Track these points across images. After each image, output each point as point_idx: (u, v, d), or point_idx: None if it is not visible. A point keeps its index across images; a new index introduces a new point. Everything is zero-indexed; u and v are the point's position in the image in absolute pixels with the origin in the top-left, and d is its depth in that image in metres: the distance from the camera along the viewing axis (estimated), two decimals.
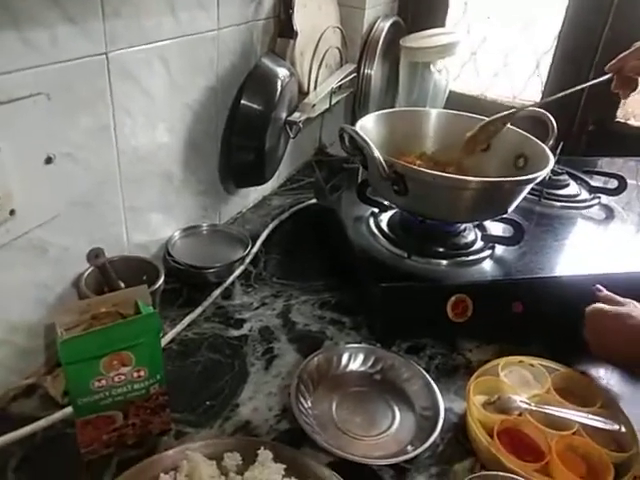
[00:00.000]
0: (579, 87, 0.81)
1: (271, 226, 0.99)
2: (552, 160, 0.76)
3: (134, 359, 0.53)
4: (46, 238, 0.61)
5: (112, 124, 0.66)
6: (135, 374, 0.54)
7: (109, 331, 0.50)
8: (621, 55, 0.77)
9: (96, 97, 0.63)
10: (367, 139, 0.72)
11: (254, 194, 1.07)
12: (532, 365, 0.69)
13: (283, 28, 0.89)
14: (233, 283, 0.84)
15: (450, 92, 1.28)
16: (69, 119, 0.60)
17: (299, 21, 0.91)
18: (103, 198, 0.68)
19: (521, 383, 0.67)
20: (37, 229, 0.59)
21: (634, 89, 0.79)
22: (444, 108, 1.19)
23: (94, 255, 0.59)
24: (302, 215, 1.07)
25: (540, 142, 0.81)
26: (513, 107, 1.28)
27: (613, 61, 0.78)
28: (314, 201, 1.09)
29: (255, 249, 0.91)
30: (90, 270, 0.67)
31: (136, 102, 0.69)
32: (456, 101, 1.27)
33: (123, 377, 0.53)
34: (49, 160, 0.58)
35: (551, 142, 0.82)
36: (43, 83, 0.55)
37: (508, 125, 0.84)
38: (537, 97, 1.28)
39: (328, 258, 0.92)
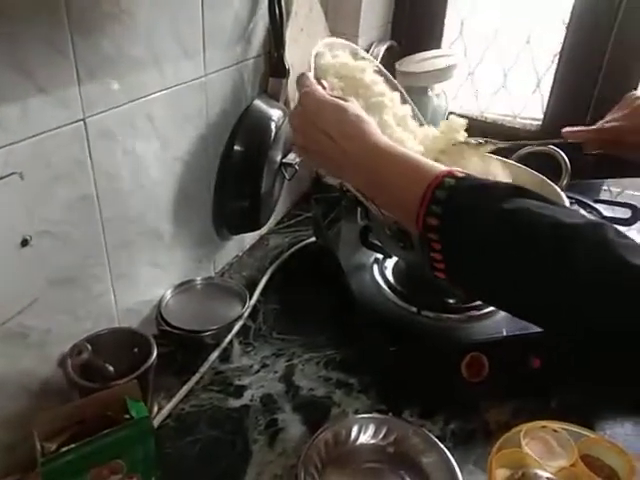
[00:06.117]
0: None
1: (269, 272, 0.94)
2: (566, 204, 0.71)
3: (125, 467, 0.48)
4: (26, 323, 0.56)
5: (94, 192, 0.61)
6: None
7: (95, 443, 0.45)
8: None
9: (74, 166, 0.57)
10: None
11: (250, 236, 1.02)
12: (555, 431, 0.64)
13: (274, 67, 0.84)
14: (231, 342, 0.79)
15: (449, 114, 1.23)
16: (45, 195, 0.55)
17: (290, 57, 0.86)
18: (87, 271, 0.63)
19: (545, 451, 0.63)
20: (16, 316, 0.54)
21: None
22: None
23: (77, 352, 0.54)
24: (301, 255, 1.02)
25: (553, 184, 0.76)
26: (513, 127, 1.26)
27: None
28: (313, 239, 1.04)
29: (253, 301, 0.86)
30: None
31: (120, 165, 0.64)
32: None
33: None
34: (25, 242, 0.52)
35: (564, 182, 0.78)
36: (15, 162, 0.50)
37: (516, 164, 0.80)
38: (539, 114, 1.23)
39: (329, 306, 0.87)
